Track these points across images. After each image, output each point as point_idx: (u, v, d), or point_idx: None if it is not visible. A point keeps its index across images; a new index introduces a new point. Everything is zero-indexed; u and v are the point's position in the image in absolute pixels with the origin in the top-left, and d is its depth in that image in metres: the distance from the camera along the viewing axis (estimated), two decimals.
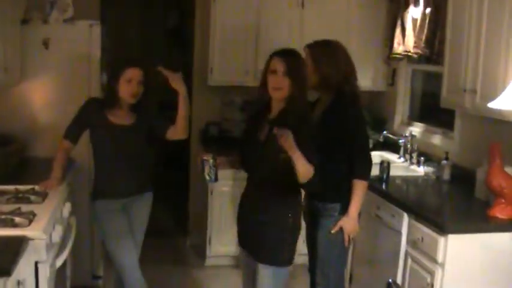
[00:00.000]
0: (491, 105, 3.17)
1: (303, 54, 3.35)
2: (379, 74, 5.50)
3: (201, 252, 5.27)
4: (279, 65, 3.03)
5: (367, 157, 3.35)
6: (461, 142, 4.31)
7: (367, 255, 4.12)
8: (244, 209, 3.27)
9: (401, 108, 5.37)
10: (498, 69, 3.33)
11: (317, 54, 3.43)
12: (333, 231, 3.33)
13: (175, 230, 6.08)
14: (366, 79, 5.38)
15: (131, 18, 7.17)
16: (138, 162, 3.59)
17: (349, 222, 3.31)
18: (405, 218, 3.59)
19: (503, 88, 3.23)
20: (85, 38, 4.35)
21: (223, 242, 5.07)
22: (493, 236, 3.26)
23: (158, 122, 3.64)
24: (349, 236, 3.34)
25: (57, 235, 3.01)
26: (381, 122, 5.44)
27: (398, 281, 3.60)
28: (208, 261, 5.14)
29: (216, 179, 3.18)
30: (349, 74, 3.43)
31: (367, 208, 3.75)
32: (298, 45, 5.13)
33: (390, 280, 3.56)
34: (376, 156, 4.73)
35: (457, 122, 4.35)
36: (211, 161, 3.13)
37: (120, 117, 3.50)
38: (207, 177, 3.15)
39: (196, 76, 5.57)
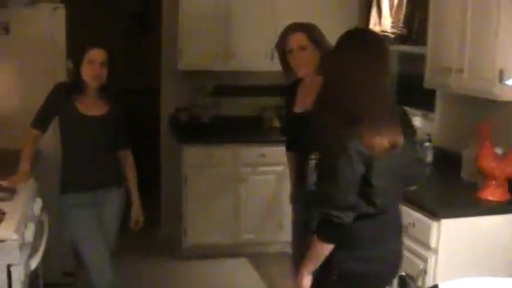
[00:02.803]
0: (510, 82, 3.02)
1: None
2: None
3: (174, 243, 5.09)
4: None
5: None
6: (442, 124, 4.22)
7: None
8: None
9: None
10: (487, 45, 3.22)
11: (315, 35, 3.17)
12: None
13: (145, 220, 5.83)
14: None
15: (90, 1, 6.88)
16: (107, 153, 3.42)
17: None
18: None
19: (493, 65, 3.14)
20: (48, 21, 4.10)
21: (199, 232, 4.90)
22: (485, 219, 3.17)
23: (120, 134, 3.46)
24: None
25: (29, 234, 2.78)
26: None
27: None
28: (184, 252, 4.96)
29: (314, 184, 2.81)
30: None
31: None
32: (270, 27, 5.05)
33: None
34: None
35: (438, 103, 4.25)
36: (313, 161, 2.79)
37: (90, 107, 3.31)
38: (308, 179, 2.85)
39: (164, 61, 5.35)
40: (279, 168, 4.98)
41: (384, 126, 2.24)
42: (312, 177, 2.77)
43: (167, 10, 5.25)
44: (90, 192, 3.35)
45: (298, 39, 3.13)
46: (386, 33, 4.69)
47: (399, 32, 4.53)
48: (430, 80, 3.83)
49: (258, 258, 4.99)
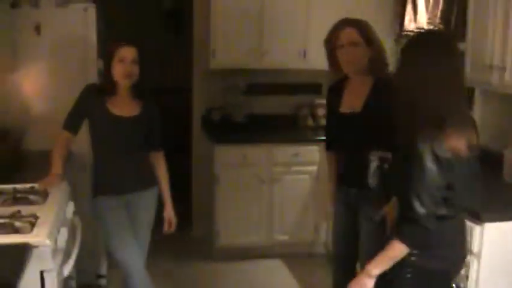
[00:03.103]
0: None
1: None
2: (388, 53, 5.23)
3: (207, 244, 5.03)
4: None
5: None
6: (482, 122, 4.07)
7: None
8: None
9: None
10: None
11: (366, 32, 3.06)
12: None
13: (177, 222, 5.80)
14: None
15: (123, 1, 6.88)
16: (140, 154, 3.37)
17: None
18: None
19: None
20: (79, 21, 4.08)
21: (231, 233, 4.85)
22: None
23: (153, 134, 3.41)
24: None
25: (62, 239, 2.74)
26: None
27: None
28: (216, 254, 4.90)
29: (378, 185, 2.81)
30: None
31: None
32: (304, 24, 4.98)
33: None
34: None
35: (477, 101, 4.11)
36: (375, 162, 2.79)
37: (122, 108, 3.27)
38: (369, 181, 2.82)
39: (196, 60, 5.30)
40: (313, 167, 4.93)
41: (466, 128, 2.28)
42: (374, 179, 2.71)
43: (199, 9, 5.19)
44: (124, 195, 3.31)
45: (350, 35, 3.04)
46: (422, 30, 4.57)
47: (436, 28, 4.40)
48: (469, 78, 3.69)
49: (292, 260, 4.91)
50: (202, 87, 5.33)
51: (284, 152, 4.88)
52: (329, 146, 3.40)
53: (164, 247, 4.61)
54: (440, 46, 2.34)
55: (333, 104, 3.25)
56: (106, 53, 3.31)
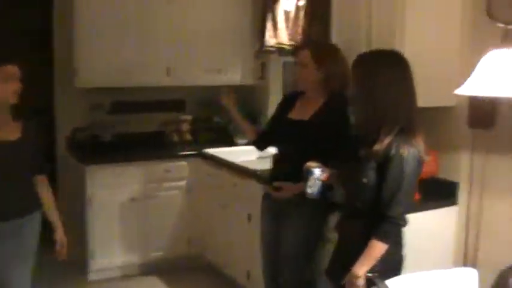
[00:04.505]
0: (458, 91, 3.13)
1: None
2: (248, 69, 5.48)
3: (81, 266, 4.88)
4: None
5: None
6: None
7: None
8: None
9: (275, 101, 5.36)
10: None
11: (320, 54, 3.33)
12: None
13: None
14: (235, 74, 5.39)
15: None
16: (23, 180, 3.22)
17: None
18: None
19: None
20: None
21: (107, 253, 4.78)
22: None
23: (37, 157, 3.29)
24: None
25: None
26: (256, 115, 5.41)
27: None
28: (92, 276, 4.80)
29: (319, 194, 2.87)
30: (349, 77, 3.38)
31: None
32: (169, 42, 5.04)
33: None
34: None
35: None
36: (316, 172, 2.84)
37: (3, 131, 3.10)
38: (309, 190, 2.85)
39: (59, 78, 5.18)
40: (183, 182, 5.01)
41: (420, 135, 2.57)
42: (314, 188, 2.84)
43: (61, 26, 5.08)
44: (8, 222, 3.14)
45: (302, 56, 3.35)
46: (283, 46, 4.82)
47: (297, 44, 4.65)
48: None
49: (168, 275, 4.93)
50: (65, 107, 5.20)
51: (156, 168, 4.91)
52: (257, 144, 3.72)
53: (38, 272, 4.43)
54: (399, 62, 2.61)
55: (283, 110, 3.49)
56: None
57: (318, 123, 3.29)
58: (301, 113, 3.39)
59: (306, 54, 3.32)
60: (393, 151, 2.49)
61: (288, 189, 3.31)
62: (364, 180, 2.56)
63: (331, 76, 3.29)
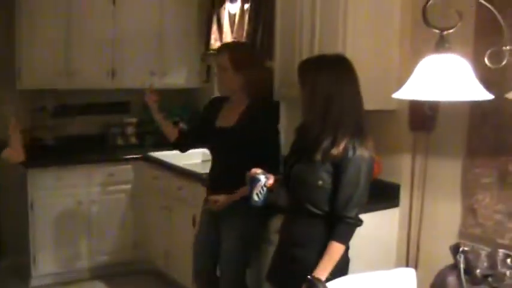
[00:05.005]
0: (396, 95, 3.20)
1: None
2: (194, 71, 5.49)
3: (22, 274, 4.78)
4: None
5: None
6: (288, 129, 4.35)
7: None
8: None
9: None
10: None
11: (238, 58, 3.28)
12: None
13: None
14: (181, 77, 5.39)
15: None
16: None
17: None
18: None
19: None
20: None
21: (50, 259, 4.69)
22: None
23: None
24: None
25: None
26: None
27: None
28: (34, 282, 4.70)
29: (265, 202, 2.82)
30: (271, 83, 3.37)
31: None
32: (112, 44, 4.98)
33: None
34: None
35: (283, 113, 4.42)
36: (262, 179, 2.79)
37: None
38: (255, 198, 2.79)
39: (0, 80, 5.02)
40: (128, 186, 4.97)
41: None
42: (259, 195, 2.81)
43: (2, 28, 4.93)
44: None
45: (220, 59, 3.28)
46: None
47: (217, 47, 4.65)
48: (277, 93, 3.98)
49: (113, 280, 4.88)
50: (6, 109, 5.06)
51: (100, 172, 4.86)
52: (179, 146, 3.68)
53: None
54: (345, 65, 2.65)
55: (210, 116, 3.46)
56: None
57: (239, 130, 3.28)
58: (226, 119, 3.38)
59: (224, 58, 3.27)
60: (350, 153, 2.52)
61: (225, 201, 3.29)
62: (320, 182, 2.57)
63: (251, 81, 3.28)
